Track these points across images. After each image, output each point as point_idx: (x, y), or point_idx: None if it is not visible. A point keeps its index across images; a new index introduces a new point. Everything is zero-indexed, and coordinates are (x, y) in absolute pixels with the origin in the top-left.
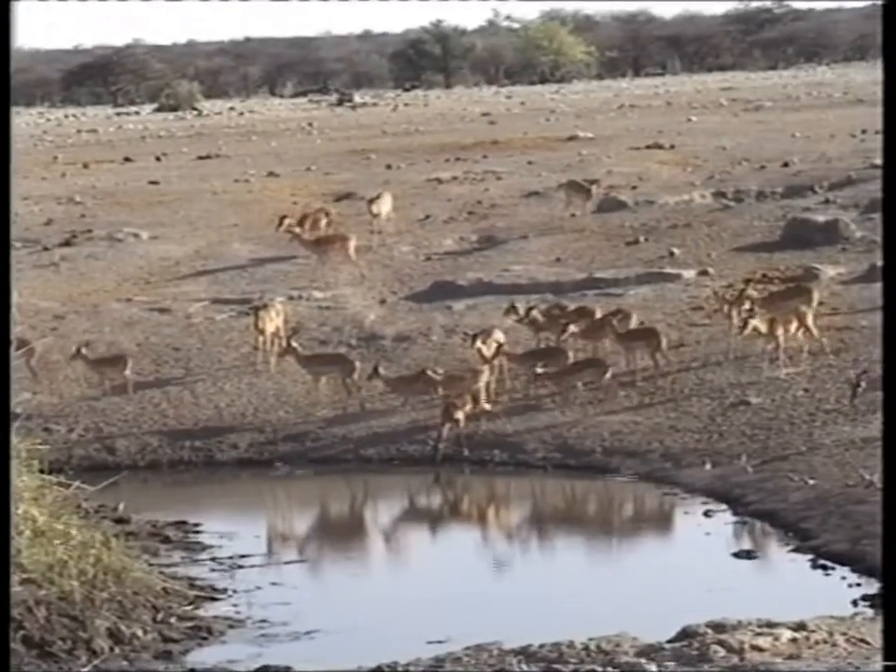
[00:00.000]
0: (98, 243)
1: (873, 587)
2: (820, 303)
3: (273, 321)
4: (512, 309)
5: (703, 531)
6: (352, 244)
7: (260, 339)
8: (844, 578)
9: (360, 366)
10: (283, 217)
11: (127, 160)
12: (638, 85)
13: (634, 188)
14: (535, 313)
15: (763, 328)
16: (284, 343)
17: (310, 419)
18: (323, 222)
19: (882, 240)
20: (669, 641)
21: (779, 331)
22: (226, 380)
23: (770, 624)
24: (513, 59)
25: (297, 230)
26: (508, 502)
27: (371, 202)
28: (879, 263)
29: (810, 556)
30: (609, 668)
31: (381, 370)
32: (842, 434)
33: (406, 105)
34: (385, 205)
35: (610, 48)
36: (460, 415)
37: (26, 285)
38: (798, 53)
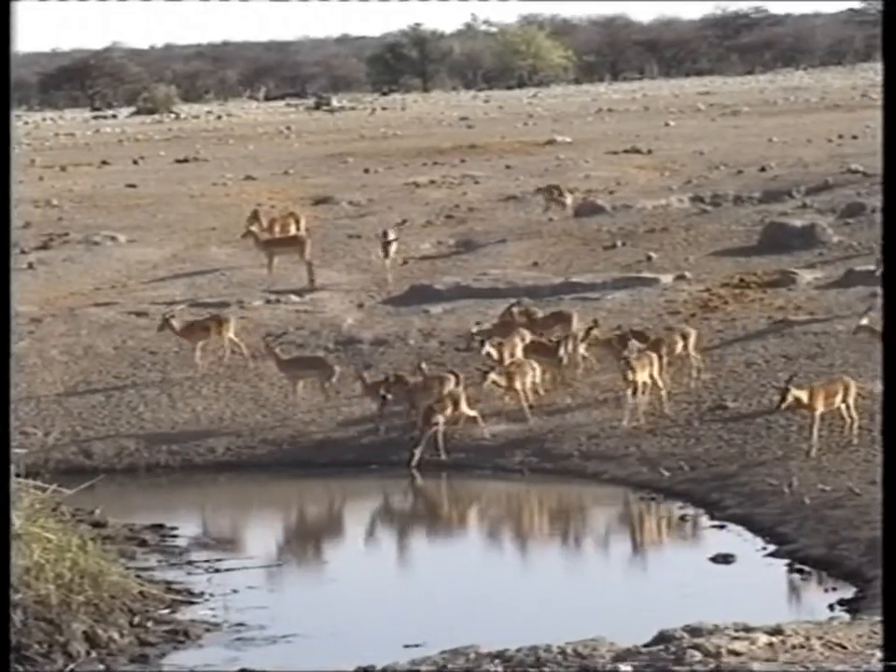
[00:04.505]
0: (75, 246)
1: (849, 592)
2: (797, 308)
3: (223, 333)
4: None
5: (679, 535)
6: (307, 246)
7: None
8: (820, 582)
9: (339, 370)
10: (250, 220)
11: (104, 163)
12: (616, 89)
13: (611, 192)
14: (515, 310)
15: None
16: (241, 352)
17: (287, 423)
18: (292, 227)
19: (882, 240)
20: (646, 645)
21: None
22: (203, 383)
23: (747, 628)
24: (491, 63)
25: (253, 228)
26: (485, 506)
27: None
28: (856, 268)
29: (787, 561)
30: None
31: (365, 375)
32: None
33: (384, 108)
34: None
35: (588, 52)
36: (439, 420)
37: None
38: (775, 58)
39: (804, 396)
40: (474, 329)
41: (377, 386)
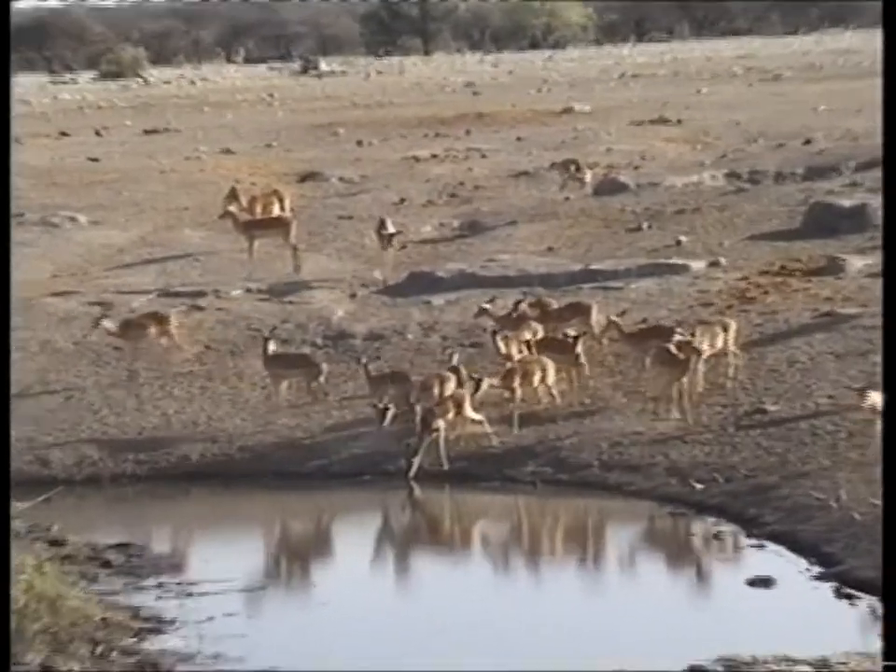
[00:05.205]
0: (31, 228)
1: None
2: (846, 299)
3: (165, 334)
4: (483, 311)
5: (713, 555)
6: (292, 228)
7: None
8: (871, 609)
9: (327, 368)
10: (228, 198)
11: (63, 134)
12: (642, 52)
13: (636, 168)
14: (524, 306)
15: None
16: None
17: (270, 428)
18: (276, 207)
19: (882, 239)
20: None
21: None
22: (175, 383)
23: (788, 660)
24: (501, 22)
25: (231, 208)
26: (493, 521)
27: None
28: None
29: (834, 584)
30: None
31: (371, 368)
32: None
33: (379, 73)
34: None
35: (610, 9)
36: (440, 424)
37: None
38: (821, 17)
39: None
40: (485, 305)
41: (384, 381)
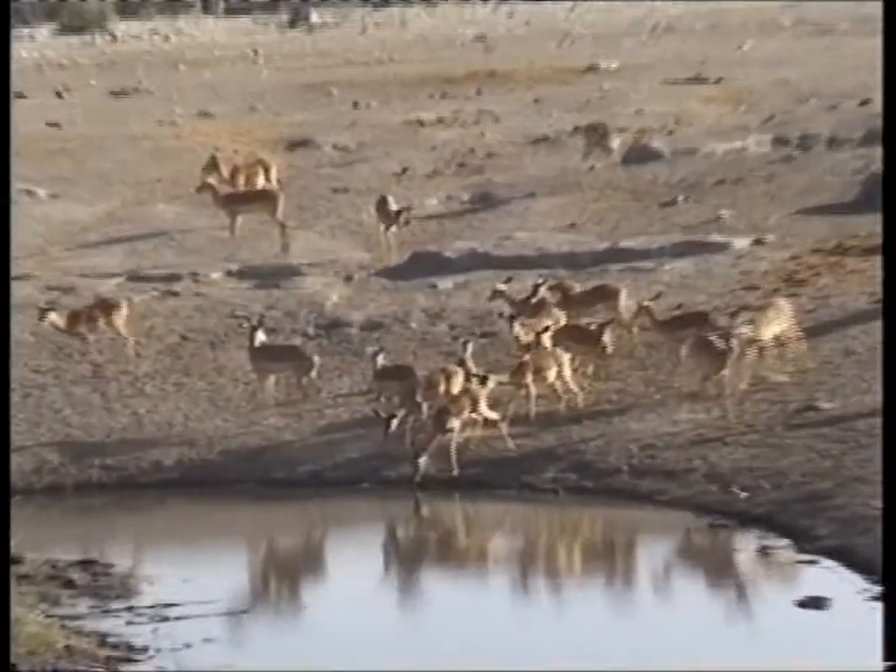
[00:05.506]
0: None
1: None
2: None
3: (113, 322)
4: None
5: (759, 572)
6: (279, 203)
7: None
8: None
9: (319, 361)
10: (207, 168)
11: (19, 96)
12: (676, 2)
13: (670, 133)
14: (543, 291)
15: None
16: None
17: (254, 429)
18: (261, 178)
19: (882, 239)
20: None
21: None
22: (147, 379)
23: None
24: None
25: (211, 179)
26: (510, 535)
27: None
28: None
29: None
30: None
31: (381, 358)
32: None
33: (377, 25)
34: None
35: None
36: (455, 424)
37: None
38: None
39: None
40: (500, 287)
41: (388, 375)
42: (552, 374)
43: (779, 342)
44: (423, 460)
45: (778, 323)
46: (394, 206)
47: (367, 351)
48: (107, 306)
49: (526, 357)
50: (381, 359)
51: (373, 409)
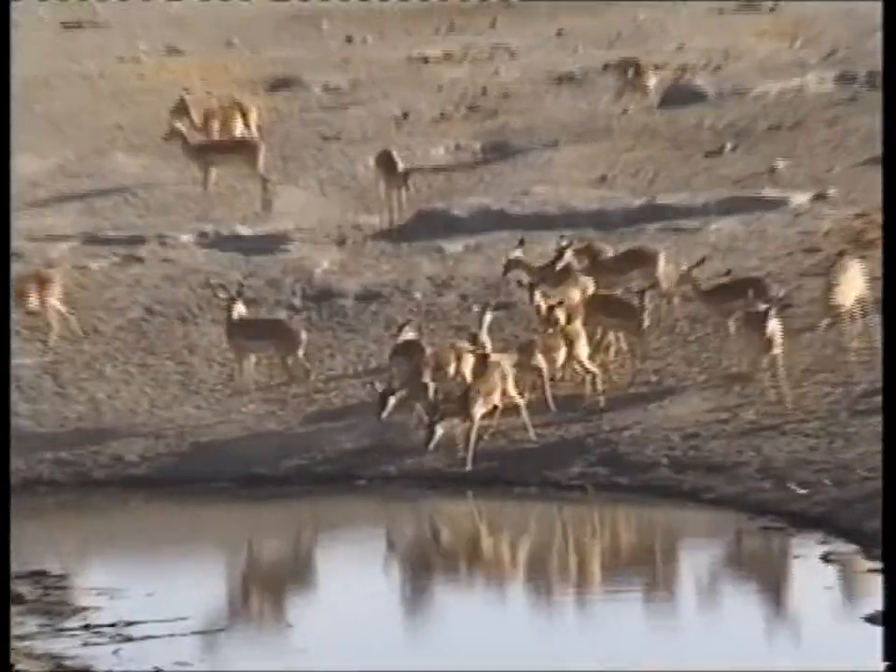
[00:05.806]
0: None
1: None
2: None
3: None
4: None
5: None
6: (260, 153)
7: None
8: None
9: (307, 338)
10: (175, 113)
11: None
12: None
13: (716, 69)
14: (569, 255)
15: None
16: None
17: (232, 417)
18: (238, 124)
19: (882, 238)
20: None
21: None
22: (107, 360)
23: None
24: None
25: (180, 126)
26: (531, 539)
27: None
28: None
29: None
30: None
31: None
32: None
33: None
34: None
35: None
36: (480, 410)
37: None
38: None
39: None
40: (515, 254)
41: (401, 351)
42: (560, 355)
43: (862, 308)
44: (439, 427)
45: (855, 287)
46: (400, 164)
47: (396, 322)
48: (41, 279)
49: (537, 337)
50: (408, 332)
51: (371, 383)
